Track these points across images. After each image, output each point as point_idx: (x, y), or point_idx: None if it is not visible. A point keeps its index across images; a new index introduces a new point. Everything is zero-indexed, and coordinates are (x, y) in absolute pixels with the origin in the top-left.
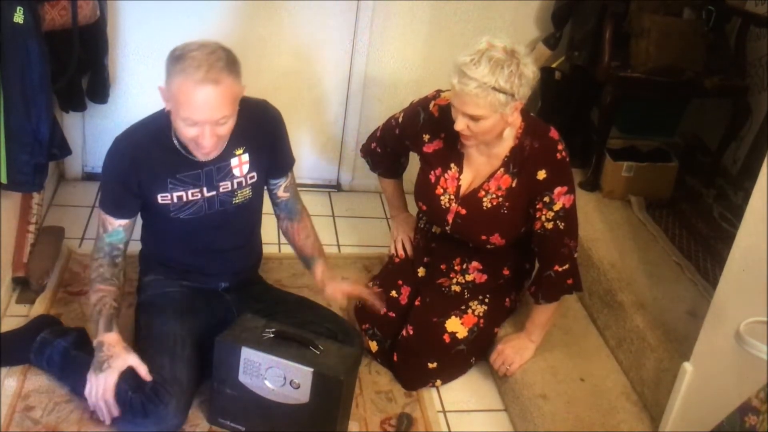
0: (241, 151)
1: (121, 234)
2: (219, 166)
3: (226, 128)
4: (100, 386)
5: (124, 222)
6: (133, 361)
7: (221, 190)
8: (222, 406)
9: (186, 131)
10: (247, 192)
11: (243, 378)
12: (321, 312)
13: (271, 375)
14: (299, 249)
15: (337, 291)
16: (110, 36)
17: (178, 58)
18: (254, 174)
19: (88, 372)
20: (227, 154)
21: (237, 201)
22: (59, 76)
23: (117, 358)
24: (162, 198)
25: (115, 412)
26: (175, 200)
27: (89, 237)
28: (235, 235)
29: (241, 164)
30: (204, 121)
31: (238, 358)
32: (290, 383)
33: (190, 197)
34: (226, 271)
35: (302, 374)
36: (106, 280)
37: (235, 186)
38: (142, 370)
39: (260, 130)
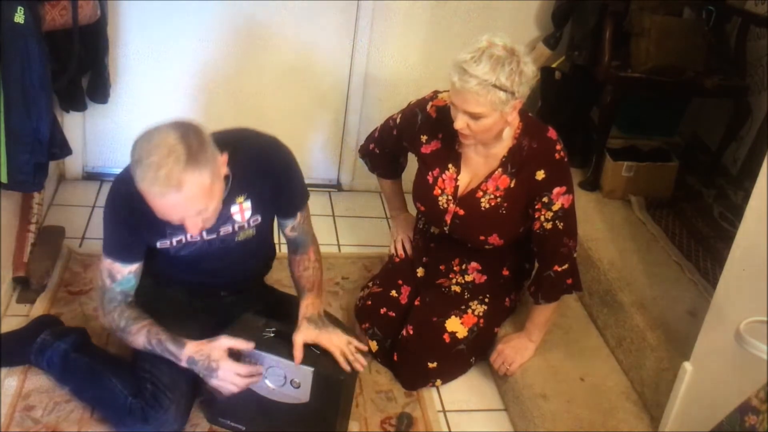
0: (242, 199)
1: (132, 281)
2: (218, 215)
3: (210, 212)
4: (230, 380)
5: (133, 267)
6: (225, 341)
7: (222, 233)
8: (222, 406)
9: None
10: (250, 232)
11: None
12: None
13: (272, 374)
14: (295, 279)
15: (299, 344)
16: (110, 36)
17: (136, 162)
18: (258, 217)
19: (103, 378)
20: (227, 201)
21: (240, 239)
22: (59, 76)
23: (212, 351)
24: (161, 244)
25: (260, 371)
26: (174, 244)
27: (89, 237)
28: (241, 261)
29: (242, 211)
30: (180, 219)
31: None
32: (290, 383)
33: (189, 239)
34: (229, 285)
35: (302, 374)
36: (137, 319)
37: (236, 229)
38: (241, 344)
39: (265, 177)
